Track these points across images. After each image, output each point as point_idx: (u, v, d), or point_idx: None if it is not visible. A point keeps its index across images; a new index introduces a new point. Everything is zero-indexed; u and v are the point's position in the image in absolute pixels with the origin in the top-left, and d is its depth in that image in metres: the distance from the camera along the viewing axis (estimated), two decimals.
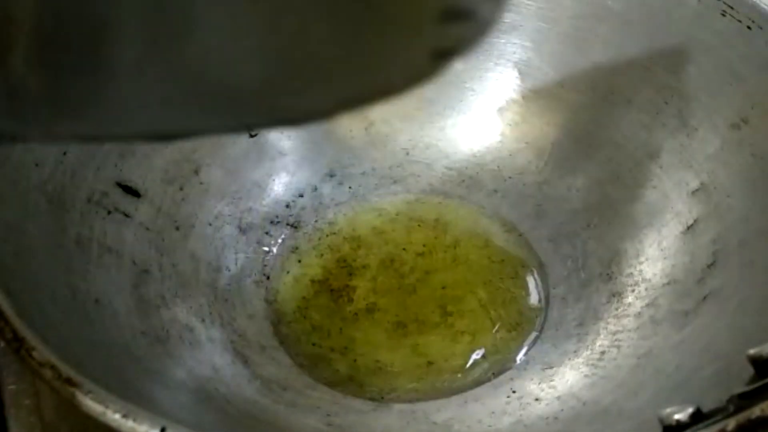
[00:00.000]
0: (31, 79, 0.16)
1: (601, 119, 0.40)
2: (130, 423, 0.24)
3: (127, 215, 0.35)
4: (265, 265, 0.39)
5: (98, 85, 0.16)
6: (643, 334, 0.34)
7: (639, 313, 0.35)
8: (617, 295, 0.36)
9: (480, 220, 0.41)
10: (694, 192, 0.36)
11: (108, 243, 0.34)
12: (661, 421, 0.24)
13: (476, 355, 0.36)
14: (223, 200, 0.39)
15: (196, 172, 0.39)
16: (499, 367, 0.35)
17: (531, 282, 0.38)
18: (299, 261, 0.39)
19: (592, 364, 0.35)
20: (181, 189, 0.38)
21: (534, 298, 0.38)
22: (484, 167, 0.42)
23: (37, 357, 0.25)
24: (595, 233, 0.39)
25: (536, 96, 0.41)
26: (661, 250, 0.37)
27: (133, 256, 0.35)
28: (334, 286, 0.38)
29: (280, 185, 0.41)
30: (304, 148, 0.41)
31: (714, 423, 0.23)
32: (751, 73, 0.35)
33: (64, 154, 0.34)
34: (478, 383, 0.35)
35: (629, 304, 0.36)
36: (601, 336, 0.35)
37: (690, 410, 0.23)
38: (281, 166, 0.41)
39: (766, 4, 0.36)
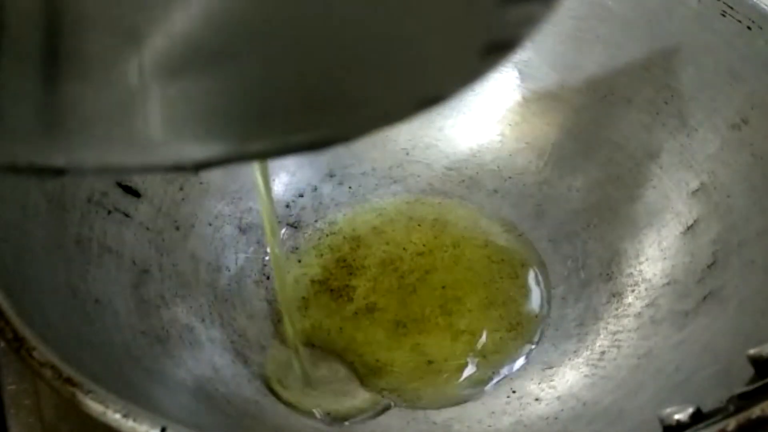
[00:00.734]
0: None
1: (601, 119, 0.40)
2: (130, 423, 0.24)
3: (127, 215, 0.35)
4: (265, 265, 0.39)
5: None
6: (643, 334, 0.34)
7: (639, 313, 0.35)
8: (617, 295, 0.36)
9: (480, 220, 0.41)
10: (694, 192, 0.36)
11: (108, 243, 0.34)
12: (661, 421, 0.24)
13: (476, 355, 0.36)
14: (223, 200, 0.39)
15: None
16: (499, 367, 0.36)
17: (531, 282, 0.38)
18: (299, 261, 0.39)
19: (592, 364, 0.35)
20: (181, 189, 0.38)
21: (534, 299, 0.38)
22: (484, 167, 0.42)
23: (38, 357, 0.25)
24: (595, 233, 0.39)
25: (536, 96, 0.41)
26: (661, 250, 0.37)
27: (133, 256, 0.35)
28: (334, 286, 0.38)
29: (280, 185, 0.41)
30: None
31: (714, 423, 0.23)
32: (751, 73, 0.35)
33: None
34: (478, 383, 0.35)
35: (629, 304, 0.36)
36: (601, 336, 0.35)
37: (690, 410, 0.23)
38: (281, 166, 0.41)
39: (766, 4, 0.36)
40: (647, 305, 0.35)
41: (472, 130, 0.42)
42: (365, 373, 0.35)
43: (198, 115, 0.15)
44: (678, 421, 0.23)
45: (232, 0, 0.15)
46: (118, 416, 0.24)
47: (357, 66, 0.15)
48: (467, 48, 0.15)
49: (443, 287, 0.38)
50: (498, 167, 0.41)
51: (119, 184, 0.36)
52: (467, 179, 0.42)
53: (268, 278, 0.38)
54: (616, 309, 0.36)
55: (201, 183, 0.39)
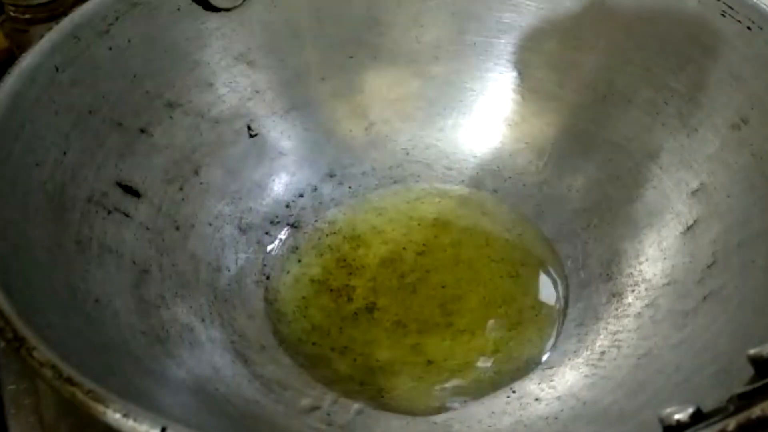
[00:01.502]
0: None
1: (601, 119, 0.40)
2: (130, 423, 0.24)
3: (127, 215, 0.35)
4: (265, 265, 0.39)
5: None
6: (643, 334, 0.35)
7: (639, 313, 0.35)
8: (617, 295, 0.36)
9: (480, 220, 0.41)
10: (694, 192, 0.36)
11: (108, 243, 0.34)
12: (661, 421, 0.24)
13: (476, 355, 0.36)
14: (223, 200, 0.39)
15: (196, 172, 0.39)
16: (499, 366, 0.36)
17: (531, 282, 0.38)
18: (299, 261, 0.39)
19: (592, 364, 0.35)
20: (181, 189, 0.38)
21: (534, 298, 0.38)
22: (484, 167, 0.42)
23: (38, 357, 0.25)
24: (595, 233, 0.39)
25: (536, 96, 0.41)
26: (661, 250, 0.37)
27: (133, 256, 0.35)
28: (333, 285, 0.38)
29: (280, 185, 0.41)
30: (304, 148, 0.41)
31: (714, 423, 0.23)
32: (751, 73, 0.35)
33: (64, 154, 0.34)
34: (478, 383, 0.35)
35: (629, 304, 0.36)
36: (601, 336, 0.35)
37: (690, 410, 0.23)
38: (281, 166, 0.41)
39: (766, 5, 0.36)
40: (647, 305, 0.35)
41: (472, 130, 0.42)
42: (365, 373, 0.35)
43: None
44: (678, 421, 0.23)
45: None
46: (118, 416, 0.24)
47: None
48: None
49: (443, 287, 0.38)
50: (498, 167, 0.42)
51: (119, 184, 0.36)
52: (467, 179, 0.42)
53: (268, 278, 0.38)
54: (616, 309, 0.36)
55: (201, 183, 0.39)
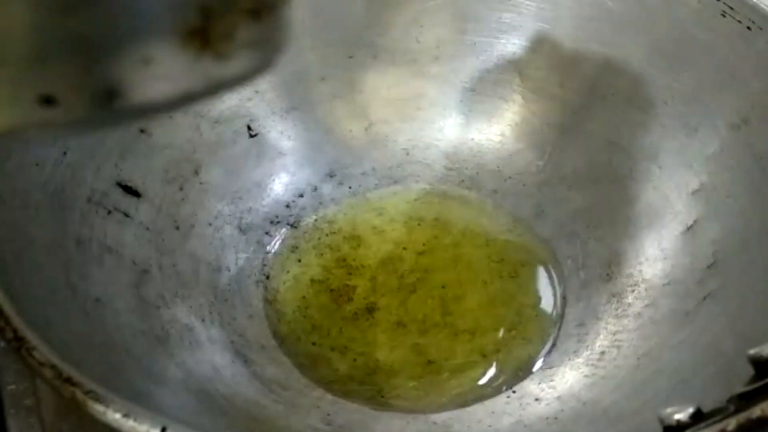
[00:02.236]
0: None
1: (601, 119, 0.40)
2: (130, 423, 0.24)
3: (127, 215, 0.35)
4: (265, 265, 0.39)
5: None
6: (643, 334, 0.35)
7: (639, 313, 0.35)
8: (617, 295, 0.36)
9: (480, 220, 0.41)
10: (694, 192, 0.36)
11: (108, 243, 0.34)
12: (661, 421, 0.24)
13: (476, 354, 0.36)
14: (223, 200, 0.39)
15: (196, 172, 0.39)
16: (499, 366, 0.36)
17: (531, 282, 0.38)
18: (299, 261, 0.39)
19: (592, 364, 0.35)
20: (181, 189, 0.38)
21: (534, 298, 0.38)
22: (484, 167, 0.42)
23: (38, 357, 0.25)
24: (595, 233, 0.39)
25: (536, 96, 0.41)
26: (661, 250, 0.37)
27: (133, 256, 0.35)
28: (333, 285, 0.38)
29: (280, 185, 0.41)
30: (304, 148, 0.41)
31: (714, 423, 0.23)
32: (751, 73, 0.35)
33: (64, 153, 0.34)
34: (478, 383, 0.35)
35: (629, 305, 0.36)
36: (601, 336, 0.35)
37: (690, 410, 0.23)
38: (281, 166, 0.41)
39: (766, 5, 0.36)
40: (647, 305, 0.35)
41: (472, 130, 0.42)
42: (365, 373, 0.35)
43: None
44: (678, 421, 0.23)
45: None
46: (118, 416, 0.24)
47: None
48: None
49: (443, 287, 0.38)
50: (498, 167, 0.41)
51: (119, 184, 0.36)
52: (467, 179, 0.42)
53: (268, 278, 0.38)
54: (616, 309, 0.36)
55: (201, 183, 0.39)
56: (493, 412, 0.34)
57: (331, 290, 0.38)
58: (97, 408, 0.24)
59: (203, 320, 0.35)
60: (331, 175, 0.41)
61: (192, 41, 0.16)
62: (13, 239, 0.30)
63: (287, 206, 0.41)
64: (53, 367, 0.25)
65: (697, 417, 0.23)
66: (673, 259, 0.36)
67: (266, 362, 0.35)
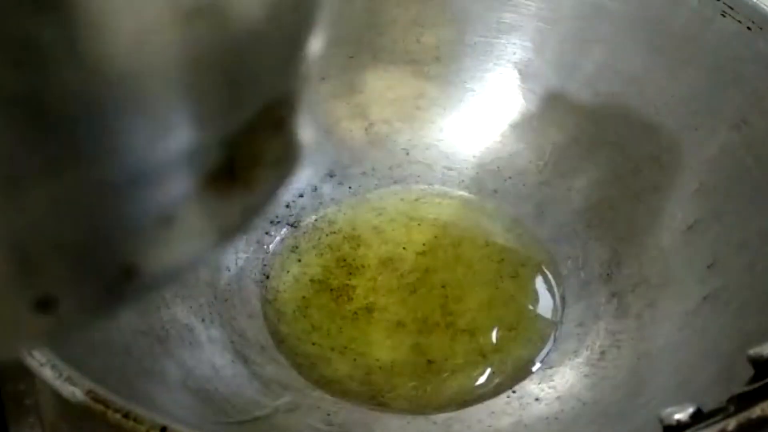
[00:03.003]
0: None
1: (601, 119, 0.40)
2: (130, 423, 0.24)
3: None
4: (265, 265, 0.39)
5: None
6: (643, 334, 0.34)
7: (639, 313, 0.35)
8: (617, 295, 0.36)
9: (480, 220, 0.41)
10: (694, 192, 0.36)
11: None
12: (661, 421, 0.24)
13: (476, 355, 0.36)
14: None
15: None
16: (499, 366, 0.35)
17: (531, 282, 0.38)
18: (299, 260, 0.39)
19: (592, 364, 0.35)
20: None
21: (534, 298, 0.38)
22: (484, 167, 0.42)
23: (38, 357, 0.25)
24: (595, 233, 0.39)
25: (536, 96, 0.41)
26: (661, 250, 0.37)
27: None
28: (333, 285, 0.38)
29: None
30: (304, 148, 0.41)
31: (714, 423, 0.23)
32: (751, 73, 0.35)
33: None
34: (477, 383, 0.35)
35: (629, 304, 0.36)
36: (601, 336, 0.35)
37: (690, 410, 0.23)
38: None
39: (766, 5, 0.36)
40: (647, 305, 0.35)
41: (472, 130, 0.42)
42: (365, 373, 0.35)
43: None
44: (678, 421, 0.23)
45: None
46: (118, 416, 0.24)
47: None
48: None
49: (443, 287, 0.38)
50: (498, 167, 0.41)
51: None
52: (467, 179, 0.42)
53: (268, 278, 0.38)
54: (616, 309, 0.36)
55: None
56: (493, 412, 0.34)
57: (331, 290, 0.38)
58: (97, 408, 0.24)
59: (203, 320, 0.35)
60: (331, 175, 0.41)
61: (217, 180, 0.13)
62: None
63: (287, 206, 0.40)
64: (53, 367, 0.25)
65: (697, 417, 0.23)
66: (673, 259, 0.36)
67: (266, 362, 0.35)
